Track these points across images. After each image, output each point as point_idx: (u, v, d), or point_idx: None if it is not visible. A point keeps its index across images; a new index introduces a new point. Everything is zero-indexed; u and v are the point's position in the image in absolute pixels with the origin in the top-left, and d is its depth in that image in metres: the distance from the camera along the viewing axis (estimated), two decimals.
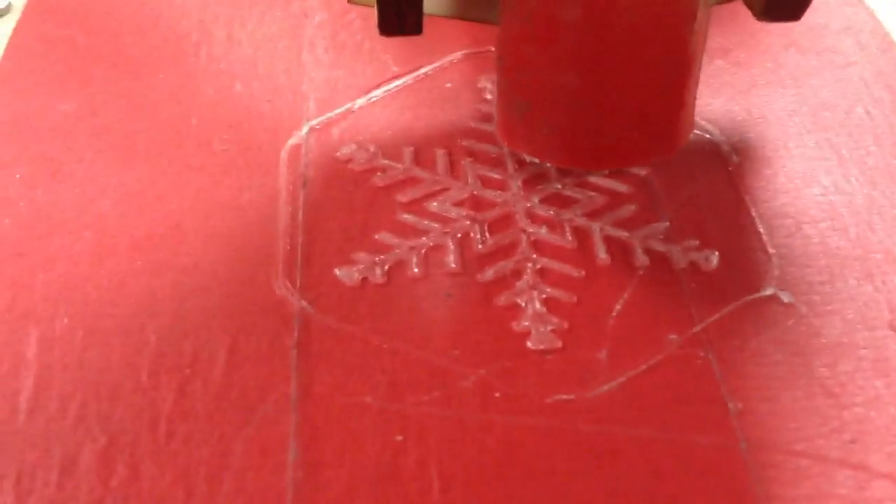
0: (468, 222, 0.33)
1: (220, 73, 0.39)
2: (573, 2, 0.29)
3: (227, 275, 0.31)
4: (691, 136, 0.34)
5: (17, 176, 0.34)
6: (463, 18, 0.34)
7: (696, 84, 0.32)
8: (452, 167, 0.35)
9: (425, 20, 0.31)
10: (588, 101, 0.31)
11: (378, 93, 0.38)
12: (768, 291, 0.31)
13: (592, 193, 0.34)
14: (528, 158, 0.33)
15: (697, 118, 0.37)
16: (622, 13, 0.29)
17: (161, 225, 0.32)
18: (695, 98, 0.33)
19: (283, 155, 0.35)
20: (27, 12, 0.42)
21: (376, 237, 0.32)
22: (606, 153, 0.33)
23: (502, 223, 0.33)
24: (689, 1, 0.30)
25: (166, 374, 0.28)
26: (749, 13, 0.42)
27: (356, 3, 0.34)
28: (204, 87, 0.38)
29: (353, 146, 0.36)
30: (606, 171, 0.35)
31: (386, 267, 0.31)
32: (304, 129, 0.36)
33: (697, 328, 0.29)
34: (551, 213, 0.33)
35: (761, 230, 0.33)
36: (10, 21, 0.42)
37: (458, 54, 0.40)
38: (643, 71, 0.31)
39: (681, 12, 0.30)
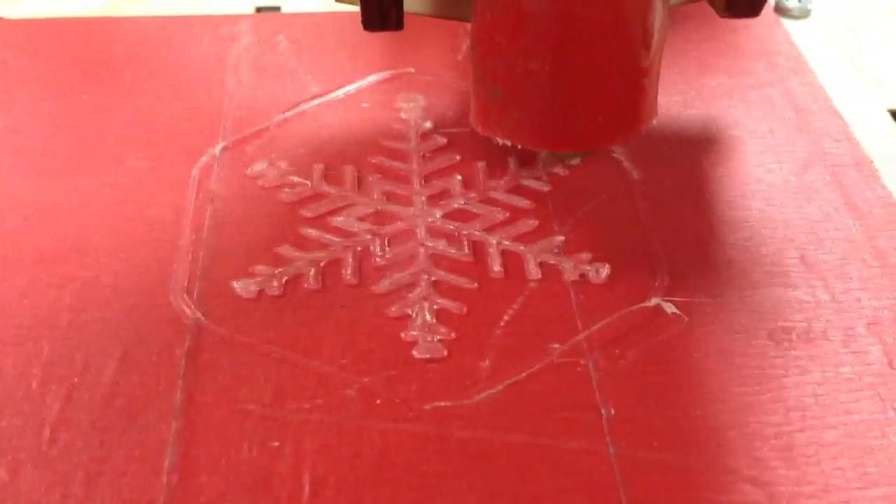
0: (369, 236, 0.34)
1: (144, 93, 0.40)
2: None
3: (126, 288, 0.32)
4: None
5: None
6: (442, 17, 0.36)
7: (658, 73, 0.34)
8: (360, 183, 0.36)
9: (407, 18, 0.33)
10: (556, 86, 0.32)
11: (295, 111, 0.39)
12: (654, 302, 0.31)
13: (494, 209, 0.35)
14: (500, 142, 0.34)
15: None
16: (586, 4, 0.31)
17: (68, 239, 0.33)
18: (657, 85, 0.35)
19: (195, 172, 0.36)
20: None
21: (277, 251, 0.33)
22: (574, 135, 0.34)
23: (403, 237, 0.34)
24: None
25: (56, 383, 0.29)
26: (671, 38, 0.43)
27: (342, 2, 0.35)
28: (125, 107, 0.39)
29: (265, 163, 0.37)
30: (504, 185, 0.36)
31: (283, 279, 0.32)
32: (218, 147, 0.37)
33: (579, 337, 0.30)
34: (451, 227, 0.34)
35: (654, 244, 0.33)
36: None
37: (379, 75, 0.41)
38: (606, 58, 0.32)
39: (641, 4, 0.32)
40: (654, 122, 0.35)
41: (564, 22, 0.31)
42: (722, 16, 0.34)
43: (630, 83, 0.33)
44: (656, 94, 0.35)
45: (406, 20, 0.34)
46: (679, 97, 0.40)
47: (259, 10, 0.47)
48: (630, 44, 0.32)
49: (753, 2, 0.33)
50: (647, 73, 0.33)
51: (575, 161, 0.37)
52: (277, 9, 0.47)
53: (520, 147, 0.34)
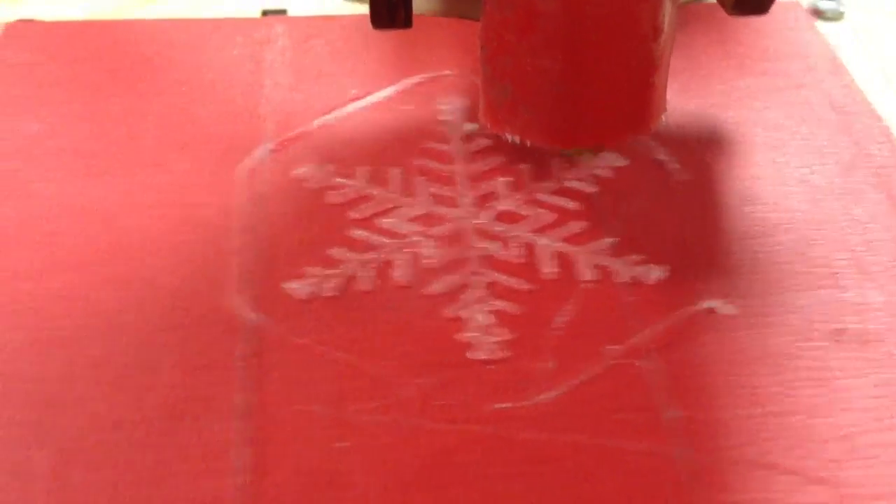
0: (419, 238, 0.34)
1: (180, 95, 0.40)
2: None
3: (179, 289, 0.31)
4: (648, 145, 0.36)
5: None
6: (450, 16, 0.36)
7: (667, 69, 0.35)
8: (406, 185, 0.36)
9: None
10: (565, 83, 0.33)
11: (336, 114, 0.39)
12: (708, 304, 0.31)
13: (542, 210, 0.35)
14: (510, 139, 0.35)
15: (648, 138, 0.38)
16: (597, 3, 0.31)
17: (117, 241, 0.33)
18: (665, 82, 0.35)
19: (240, 173, 0.36)
20: (2, 39, 0.43)
21: (328, 252, 0.33)
22: (584, 132, 0.34)
23: (453, 239, 0.34)
24: None
25: (121, 384, 0.28)
26: (696, 41, 0.43)
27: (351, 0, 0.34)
28: (162, 110, 0.39)
29: (310, 166, 0.36)
30: (551, 188, 0.36)
31: (336, 281, 0.32)
32: (262, 150, 0.37)
33: (636, 339, 0.30)
34: (501, 229, 0.34)
35: (705, 245, 0.33)
36: None
37: (417, 78, 0.41)
38: (616, 56, 0.32)
39: (651, 1, 0.32)
40: (664, 118, 0.35)
41: (574, 20, 0.31)
42: (730, 13, 0.34)
43: (639, 80, 0.33)
44: (665, 90, 0.35)
45: (436, 22, 0.34)
46: (718, 99, 0.40)
47: (265, 13, 0.47)
48: (640, 41, 0.33)
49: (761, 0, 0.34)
50: (657, 70, 0.34)
51: (585, 158, 0.37)
52: (283, 11, 0.47)
53: (529, 144, 0.34)
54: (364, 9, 0.38)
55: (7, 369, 0.29)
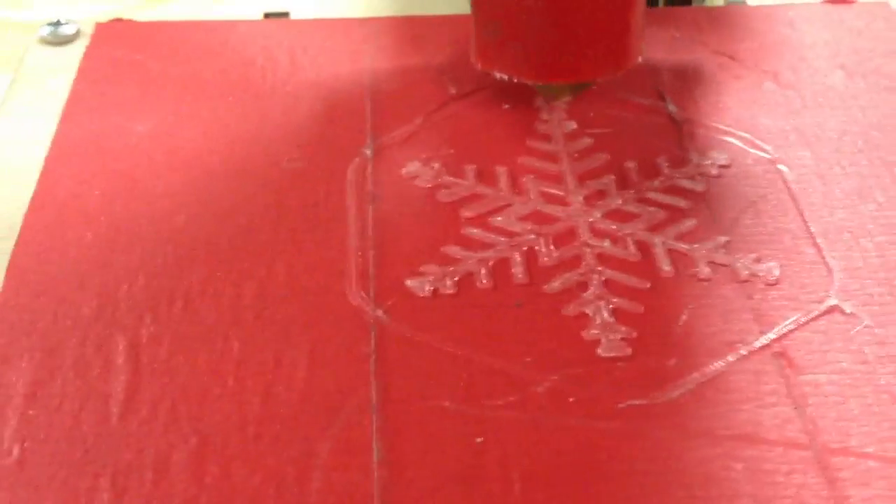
0: (533, 236, 0.34)
1: (286, 96, 0.40)
2: None
3: (302, 285, 0.32)
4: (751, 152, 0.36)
5: (97, 192, 0.35)
6: None
7: (643, 14, 0.38)
8: (514, 184, 0.36)
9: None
10: (549, 21, 0.36)
11: (439, 114, 0.39)
12: (830, 302, 0.31)
13: (652, 209, 0.35)
14: (498, 76, 0.38)
15: (751, 136, 0.38)
16: None
17: (236, 238, 0.34)
18: (642, 26, 0.38)
19: (351, 172, 0.37)
20: (96, 38, 0.44)
21: (444, 250, 0.33)
22: (566, 68, 0.38)
23: (566, 237, 0.34)
24: None
25: (251, 380, 0.29)
26: (803, 39, 0.43)
27: None
28: (270, 109, 0.40)
29: (418, 164, 0.37)
30: (659, 185, 0.36)
31: (455, 278, 0.32)
32: (369, 148, 0.38)
33: (763, 337, 0.30)
34: (613, 227, 0.34)
35: (820, 243, 0.33)
36: (79, 47, 0.44)
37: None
38: None
39: None
40: (640, 59, 0.39)
41: None
42: None
43: (617, 20, 0.37)
44: (642, 34, 0.38)
45: None
46: (817, 98, 0.40)
47: (267, 15, 0.47)
48: None
49: None
50: (633, 11, 0.37)
51: (566, 98, 0.40)
52: (286, 14, 0.47)
53: (516, 80, 0.38)
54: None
55: (148, 363, 0.29)
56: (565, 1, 0.36)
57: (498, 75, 0.38)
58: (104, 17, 0.46)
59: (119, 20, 0.46)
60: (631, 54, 0.38)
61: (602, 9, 0.37)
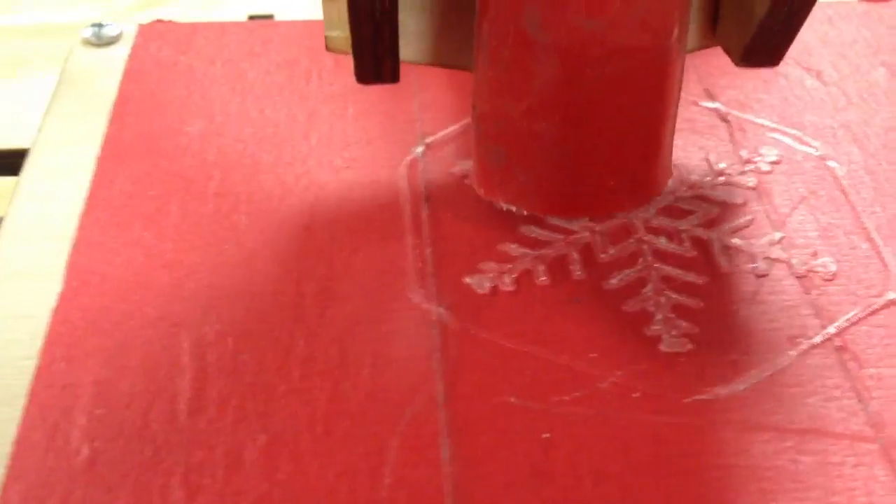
0: (588, 233, 0.34)
1: (334, 96, 0.41)
2: (546, 53, 0.30)
3: (363, 284, 0.32)
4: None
5: (151, 193, 0.36)
6: (440, 66, 0.34)
7: (672, 132, 0.33)
8: None
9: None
10: (563, 149, 0.32)
11: None
12: (889, 296, 0.31)
13: (706, 205, 0.35)
14: (504, 206, 0.34)
15: (799, 132, 0.38)
16: (596, 64, 0.30)
17: (295, 237, 0.34)
18: (671, 145, 0.34)
19: (402, 171, 0.37)
20: (140, 40, 0.44)
21: (500, 248, 0.34)
22: (583, 201, 0.33)
23: (621, 234, 0.34)
24: (663, 51, 0.31)
25: (318, 377, 0.29)
26: (842, 37, 0.43)
27: (333, 51, 0.33)
28: (319, 109, 0.40)
29: (469, 162, 0.37)
30: (712, 182, 0.36)
31: (514, 275, 0.33)
32: (420, 147, 0.38)
33: (824, 331, 0.30)
34: (668, 223, 0.34)
35: (874, 238, 0.34)
36: (122, 48, 0.44)
37: None
38: (618, 120, 0.31)
39: (654, 62, 0.31)
40: (670, 182, 0.34)
41: (573, 83, 0.30)
42: (739, 65, 0.33)
43: (644, 146, 0.32)
44: (671, 153, 0.34)
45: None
46: (861, 94, 0.41)
47: (252, 17, 0.47)
48: (645, 105, 0.31)
49: (772, 51, 0.32)
50: (662, 134, 0.33)
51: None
52: (270, 16, 0.47)
53: (526, 213, 0.34)
54: None
55: (214, 361, 0.29)
56: (583, 126, 0.31)
57: (505, 206, 0.33)
58: (96, 21, 0.46)
59: (160, 21, 0.46)
60: (659, 183, 0.33)
61: (626, 133, 0.31)
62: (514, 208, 0.33)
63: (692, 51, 0.34)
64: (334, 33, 0.32)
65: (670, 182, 0.36)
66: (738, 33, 0.32)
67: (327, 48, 0.33)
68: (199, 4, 0.49)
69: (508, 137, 0.32)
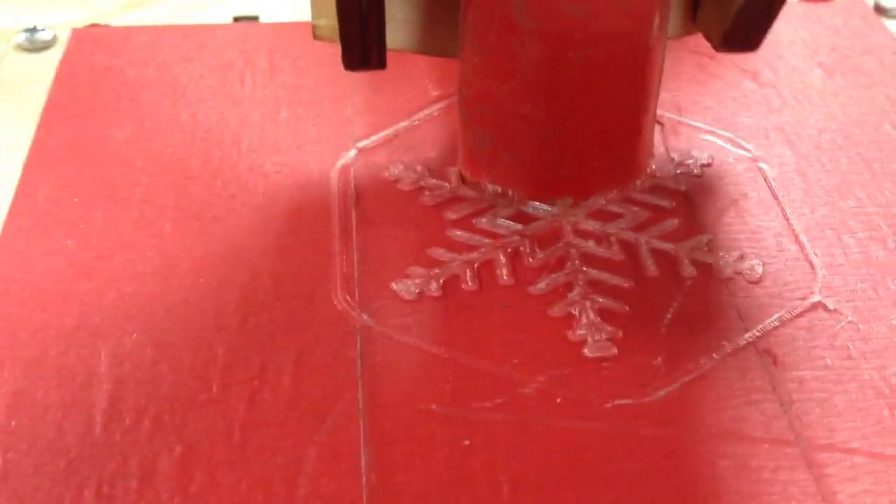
0: (517, 237, 0.34)
1: (266, 100, 0.40)
2: (531, 37, 0.30)
3: (287, 290, 0.32)
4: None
5: (76, 199, 0.35)
6: (426, 54, 0.35)
7: (654, 115, 0.34)
8: None
9: (389, 56, 0.32)
10: (548, 131, 0.32)
11: (420, 115, 0.39)
12: (813, 299, 0.31)
13: (636, 208, 0.35)
14: (490, 189, 0.34)
15: (732, 135, 0.38)
16: (579, 48, 0.30)
17: (219, 244, 0.33)
18: (653, 128, 0.34)
19: (333, 175, 0.36)
20: (72, 45, 0.44)
21: (429, 252, 0.33)
22: (568, 182, 0.34)
23: (550, 238, 0.34)
24: (645, 36, 0.31)
25: (237, 386, 0.29)
26: (780, 38, 0.43)
27: (321, 39, 0.33)
28: (251, 113, 0.39)
29: (401, 166, 0.37)
30: (641, 186, 0.36)
31: (441, 281, 0.32)
32: (352, 151, 0.37)
33: (748, 334, 0.30)
34: (597, 227, 0.34)
35: (802, 240, 0.34)
36: (56, 52, 0.44)
37: None
38: (602, 103, 0.32)
39: (636, 47, 0.31)
40: (653, 165, 0.35)
41: (557, 66, 0.31)
42: (718, 50, 0.33)
43: (626, 127, 0.33)
44: (653, 135, 0.35)
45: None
46: (796, 95, 0.41)
47: (237, 19, 0.47)
48: (626, 86, 0.32)
49: (750, 36, 0.32)
50: (645, 116, 0.33)
51: (564, 203, 0.35)
52: (255, 18, 0.47)
53: (511, 193, 0.34)
54: None
55: (132, 372, 0.29)
56: (567, 108, 0.31)
57: (490, 188, 0.34)
58: (77, 24, 0.45)
59: (95, 25, 0.46)
60: (643, 162, 0.34)
61: (610, 115, 0.32)
62: (499, 189, 0.34)
63: (674, 37, 0.34)
64: (321, 21, 0.32)
65: None
66: (718, 19, 0.32)
67: (314, 36, 0.33)
68: (186, 5, 0.49)
69: (494, 121, 0.32)
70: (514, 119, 0.32)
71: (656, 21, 0.31)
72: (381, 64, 0.32)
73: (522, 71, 0.31)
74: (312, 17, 0.32)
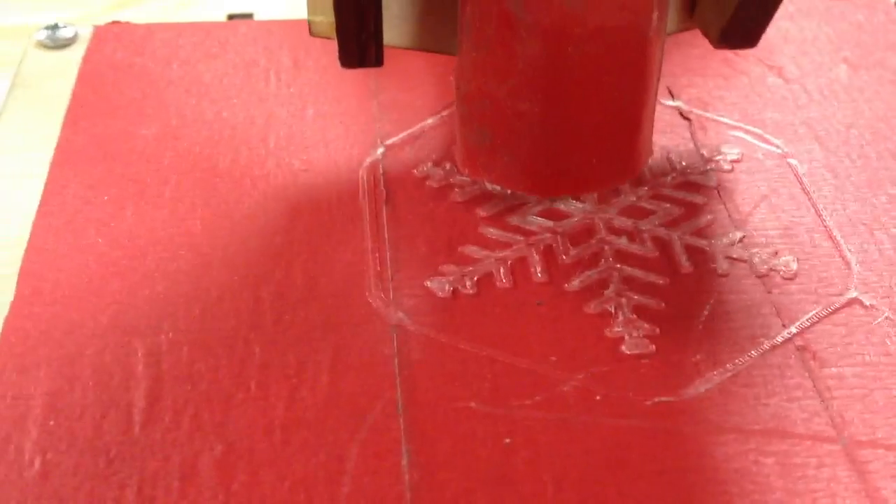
0: (549, 234, 0.34)
1: (291, 97, 0.40)
2: (529, 33, 0.30)
3: (321, 288, 0.32)
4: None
5: (105, 197, 0.35)
6: (424, 50, 0.34)
7: (653, 111, 0.34)
8: None
9: (386, 52, 0.32)
10: (547, 128, 0.32)
11: (446, 112, 0.39)
12: (850, 295, 0.31)
13: (667, 205, 0.35)
14: (489, 186, 0.34)
15: (760, 130, 0.38)
16: (578, 43, 0.30)
17: (251, 242, 0.33)
18: (652, 124, 0.34)
19: (362, 173, 0.36)
20: (94, 42, 0.43)
21: (462, 250, 0.33)
22: (567, 179, 0.33)
23: (583, 235, 0.34)
24: (643, 31, 0.31)
25: (274, 384, 0.29)
26: (804, 34, 0.43)
27: (317, 36, 0.33)
28: (277, 111, 0.39)
29: (429, 164, 0.37)
30: (672, 182, 0.36)
31: (475, 278, 0.32)
32: (380, 149, 0.37)
33: (786, 331, 0.30)
34: (630, 224, 0.34)
35: (836, 236, 0.34)
36: (77, 50, 0.43)
37: None
38: (600, 98, 0.32)
39: (634, 42, 0.31)
40: (651, 160, 0.35)
41: (556, 62, 0.30)
42: (717, 47, 0.33)
43: (626, 124, 0.33)
44: (651, 132, 0.34)
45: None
46: (822, 91, 0.41)
47: (231, 17, 0.47)
48: (625, 81, 0.32)
49: (748, 32, 0.32)
50: (643, 113, 0.33)
51: (563, 200, 0.35)
52: (250, 15, 0.47)
53: (510, 192, 0.34)
54: None
55: (169, 370, 0.29)
56: (566, 105, 0.31)
57: (490, 186, 0.34)
58: (72, 22, 0.45)
59: (117, 23, 0.46)
60: (642, 159, 0.34)
61: (609, 111, 0.32)
62: (498, 188, 0.34)
63: (672, 33, 0.34)
64: (318, 18, 0.32)
65: (627, 184, 0.36)
66: (716, 15, 0.32)
67: (311, 33, 0.33)
68: (179, 3, 0.49)
69: (492, 118, 0.32)
70: (513, 116, 0.32)
71: (654, 16, 0.31)
72: (378, 61, 0.32)
73: (521, 67, 0.31)
74: (308, 13, 0.32)
